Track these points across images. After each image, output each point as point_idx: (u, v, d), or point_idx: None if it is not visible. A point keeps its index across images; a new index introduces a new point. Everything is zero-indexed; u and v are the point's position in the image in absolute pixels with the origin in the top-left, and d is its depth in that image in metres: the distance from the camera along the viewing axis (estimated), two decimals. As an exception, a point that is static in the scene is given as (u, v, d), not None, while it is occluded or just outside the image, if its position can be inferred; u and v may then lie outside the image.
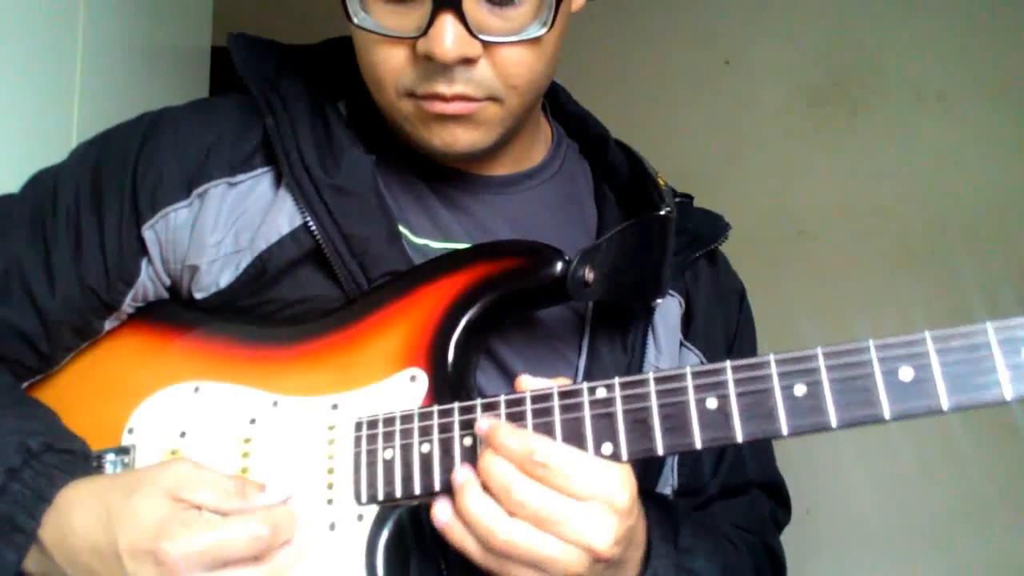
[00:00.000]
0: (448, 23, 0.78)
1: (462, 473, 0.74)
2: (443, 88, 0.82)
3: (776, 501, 1.03)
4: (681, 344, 0.97)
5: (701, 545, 0.83)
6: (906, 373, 0.66)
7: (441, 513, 0.74)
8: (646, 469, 0.93)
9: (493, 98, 0.84)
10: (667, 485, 0.96)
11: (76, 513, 0.74)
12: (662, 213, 0.90)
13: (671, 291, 0.96)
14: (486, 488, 0.72)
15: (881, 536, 2.40)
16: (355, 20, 0.82)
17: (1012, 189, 2.46)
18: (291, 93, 0.92)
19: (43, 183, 0.94)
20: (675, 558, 0.80)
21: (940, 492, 2.37)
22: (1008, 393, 0.64)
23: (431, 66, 0.81)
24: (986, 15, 2.54)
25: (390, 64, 0.83)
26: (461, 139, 0.86)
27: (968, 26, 2.55)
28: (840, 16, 2.66)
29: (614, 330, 0.92)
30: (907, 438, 2.32)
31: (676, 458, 0.96)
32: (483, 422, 0.74)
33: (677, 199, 1.00)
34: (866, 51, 2.64)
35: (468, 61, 0.81)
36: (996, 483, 2.32)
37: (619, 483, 0.72)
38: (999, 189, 2.48)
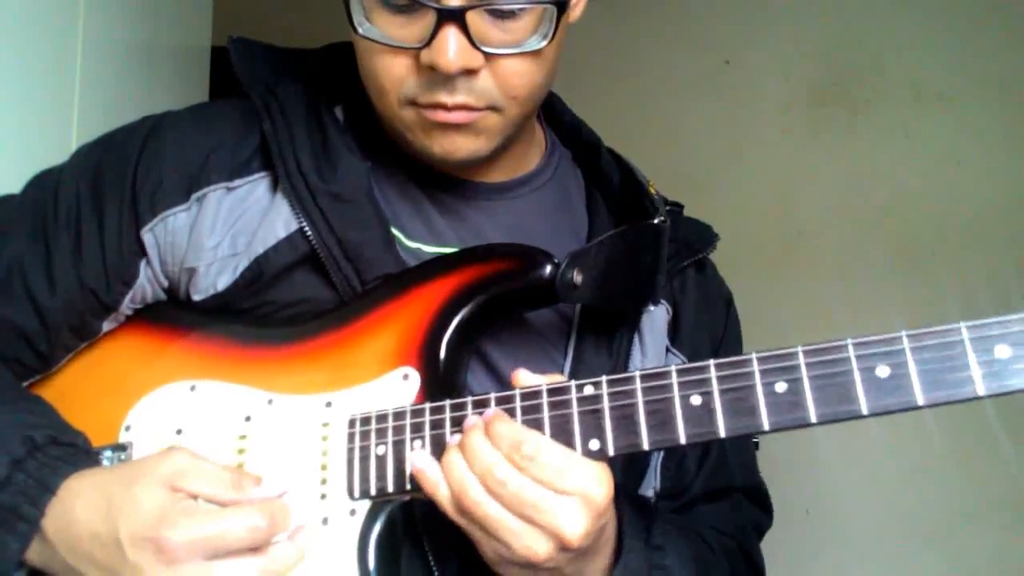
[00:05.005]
0: (451, 35, 0.79)
1: (456, 438, 0.76)
2: (445, 98, 0.83)
3: (758, 507, 1.04)
4: (667, 349, 0.98)
5: (673, 543, 0.84)
6: (883, 370, 0.68)
7: (419, 459, 0.76)
8: (630, 470, 0.94)
9: (493, 108, 0.86)
10: (650, 487, 0.97)
11: (78, 503, 0.75)
12: (656, 222, 0.91)
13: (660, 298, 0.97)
14: (470, 466, 0.74)
15: (881, 536, 2.40)
16: (359, 30, 0.83)
17: (1012, 189, 2.47)
18: (289, 98, 0.94)
19: (45, 184, 0.95)
20: (646, 553, 0.81)
21: (940, 492, 2.38)
22: (981, 390, 0.65)
23: (434, 76, 0.82)
24: (986, 15, 2.54)
25: (393, 73, 0.84)
26: (461, 147, 0.87)
27: (968, 26, 2.55)
28: (840, 16, 2.67)
29: (600, 334, 0.94)
30: (907, 438, 2.32)
31: (660, 460, 0.97)
32: (488, 410, 0.76)
33: (668, 207, 1.01)
34: (866, 51, 2.64)
35: (470, 72, 0.82)
36: (996, 483, 2.33)
37: (599, 481, 0.73)
38: (999, 189, 2.48)
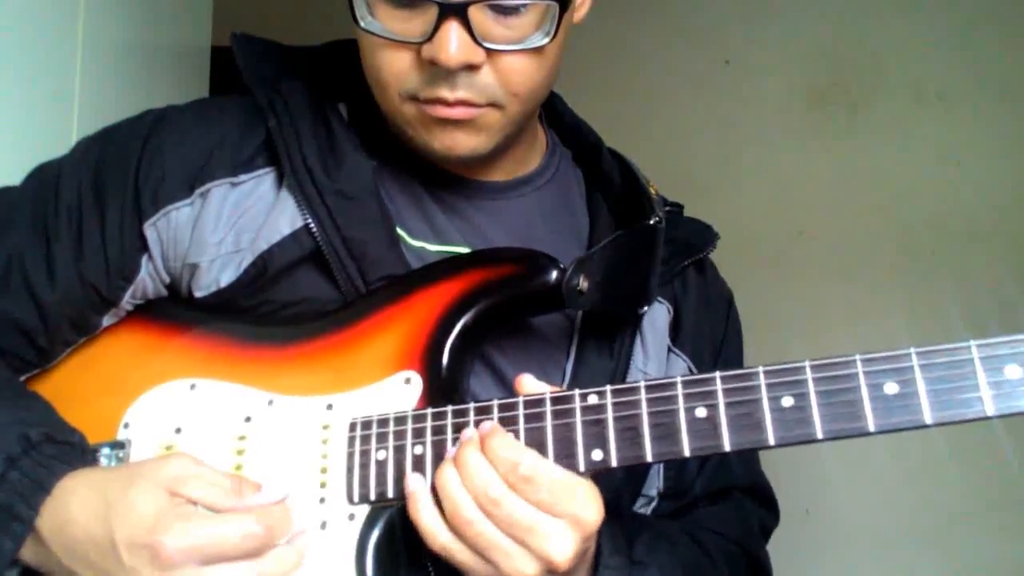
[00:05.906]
0: (453, 30, 0.79)
1: (452, 451, 0.76)
2: (446, 93, 0.83)
3: (762, 505, 1.04)
4: (669, 350, 0.98)
5: (656, 559, 0.84)
6: (891, 388, 0.67)
7: (413, 481, 0.76)
8: (632, 471, 0.94)
9: (494, 104, 0.85)
10: (653, 487, 0.97)
11: (74, 504, 0.75)
12: (651, 223, 0.91)
13: (660, 298, 0.98)
14: (464, 482, 0.74)
15: (881, 536, 2.40)
16: (362, 24, 0.83)
17: (1012, 189, 2.46)
18: (293, 95, 0.93)
19: (45, 177, 0.95)
20: (627, 570, 0.81)
21: (940, 493, 2.37)
22: (990, 410, 0.65)
23: (435, 71, 0.82)
24: (986, 15, 2.53)
25: (394, 68, 0.84)
26: (461, 143, 0.87)
27: (968, 26, 2.55)
28: (840, 16, 2.66)
29: (602, 336, 0.93)
30: (908, 438, 2.30)
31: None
32: (485, 424, 0.76)
33: (668, 207, 1.02)
34: (866, 51, 2.63)
35: (471, 67, 0.82)
36: (996, 484, 2.32)
37: (590, 505, 0.73)
38: (1000, 189, 2.47)
